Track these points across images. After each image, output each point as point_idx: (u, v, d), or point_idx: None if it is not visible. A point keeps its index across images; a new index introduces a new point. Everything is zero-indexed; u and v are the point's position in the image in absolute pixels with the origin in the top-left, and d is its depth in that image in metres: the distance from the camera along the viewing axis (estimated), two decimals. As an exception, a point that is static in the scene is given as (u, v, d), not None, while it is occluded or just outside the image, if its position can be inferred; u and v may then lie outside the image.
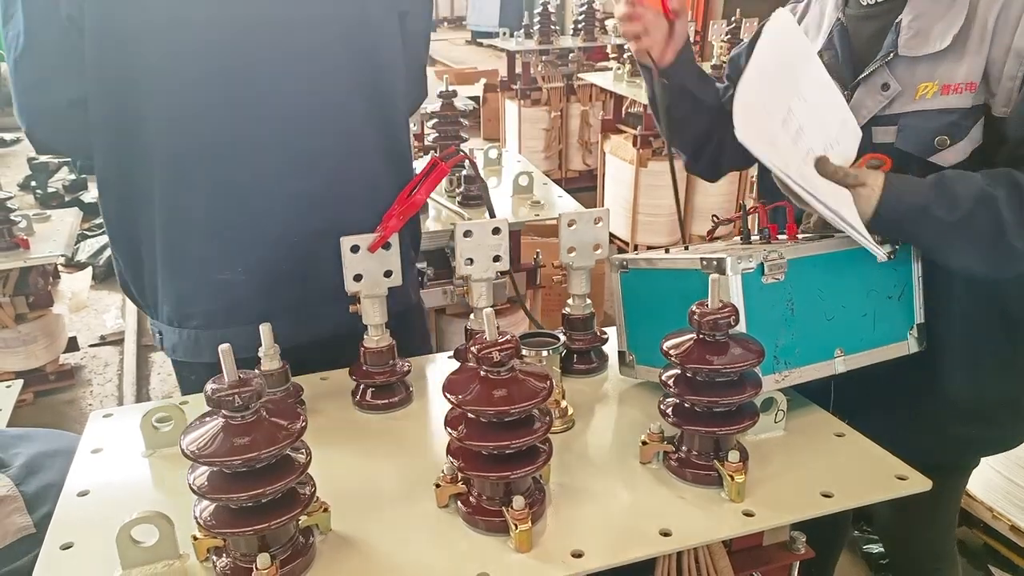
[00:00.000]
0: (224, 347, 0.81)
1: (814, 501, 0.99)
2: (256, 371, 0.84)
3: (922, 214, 1.11)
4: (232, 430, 0.81)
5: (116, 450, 1.15)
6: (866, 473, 1.04)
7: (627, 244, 4.42)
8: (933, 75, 1.18)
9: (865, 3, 1.27)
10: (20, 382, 1.91)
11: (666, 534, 0.93)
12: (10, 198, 2.78)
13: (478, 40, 10.42)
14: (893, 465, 1.05)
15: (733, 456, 0.98)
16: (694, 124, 1.45)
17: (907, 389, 1.31)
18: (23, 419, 3.00)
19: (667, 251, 1.25)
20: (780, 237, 1.22)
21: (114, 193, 1.29)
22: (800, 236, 1.21)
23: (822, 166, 1.12)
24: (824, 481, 1.02)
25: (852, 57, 1.28)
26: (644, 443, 1.06)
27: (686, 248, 1.27)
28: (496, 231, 1.22)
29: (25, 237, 2.82)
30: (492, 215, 1.32)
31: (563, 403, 1.17)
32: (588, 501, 1.00)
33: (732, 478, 0.97)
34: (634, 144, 4.18)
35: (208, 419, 0.83)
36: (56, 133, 1.27)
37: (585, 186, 5.40)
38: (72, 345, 3.36)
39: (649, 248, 4.22)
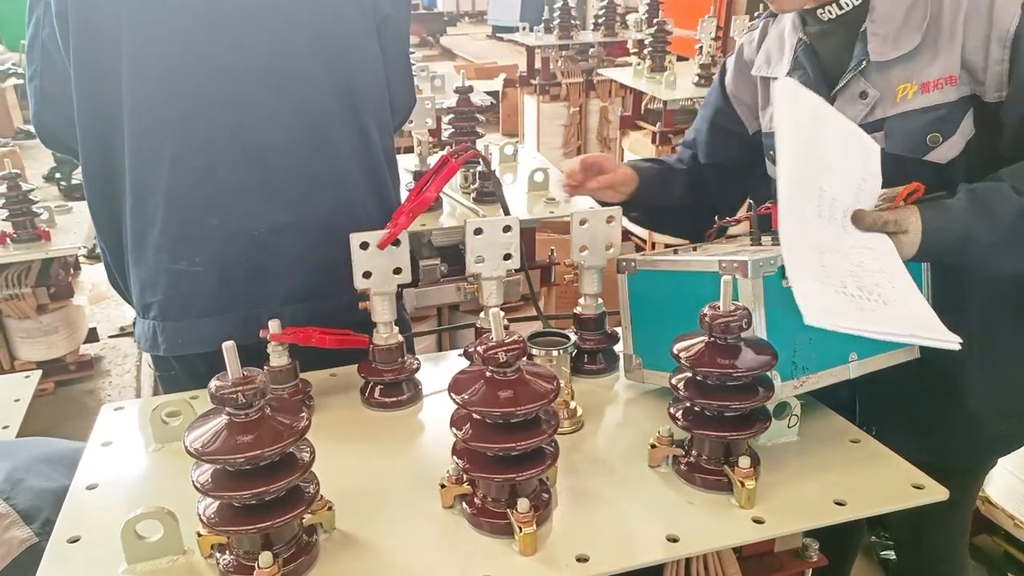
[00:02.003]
0: (228, 344, 0.80)
1: (827, 509, 0.97)
2: (260, 368, 0.83)
3: (965, 242, 1.09)
4: (235, 428, 0.81)
5: (126, 444, 1.16)
6: (881, 481, 1.01)
7: (644, 242, 4.39)
8: (910, 76, 1.17)
9: (825, 19, 1.24)
10: (39, 373, 1.92)
11: (673, 540, 0.91)
12: (32, 190, 2.81)
13: (498, 35, 10.40)
14: (909, 473, 1.02)
15: (744, 462, 0.96)
16: (679, 222, 1.58)
17: (933, 394, 1.29)
18: (44, 409, 3.05)
19: (675, 252, 1.23)
20: None
21: (96, 180, 1.30)
22: None
23: (860, 221, 1.10)
24: (837, 488, 1.00)
25: (822, 73, 1.27)
26: (653, 446, 1.04)
27: (694, 249, 1.25)
28: (507, 229, 1.21)
29: (47, 229, 2.85)
30: (506, 212, 1.30)
31: (572, 404, 1.16)
32: (595, 504, 0.99)
33: (742, 484, 0.96)
34: (653, 141, 4.14)
35: (212, 416, 0.82)
36: (55, 118, 1.29)
37: (604, 183, 5.36)
38: (92, 336, 3.40)
39: (667, 247, 4.17)
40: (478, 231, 1.20)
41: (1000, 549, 2.19)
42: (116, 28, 1.19)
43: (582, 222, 1.25)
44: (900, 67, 1.18)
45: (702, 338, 0.97)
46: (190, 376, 1.35)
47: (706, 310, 0.95)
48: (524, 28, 5.66)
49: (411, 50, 3.79)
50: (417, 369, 1.26)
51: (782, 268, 1.02)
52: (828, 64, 1.26)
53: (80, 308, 3.28)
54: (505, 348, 0.88)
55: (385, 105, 1.38)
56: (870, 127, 1.21)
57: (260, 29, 1.24)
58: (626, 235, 4.65)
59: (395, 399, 1.23)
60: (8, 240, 2.78)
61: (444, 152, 1.74)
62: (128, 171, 1.25)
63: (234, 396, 0.79)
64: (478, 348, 0.89)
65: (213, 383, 0.81)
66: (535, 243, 2.32)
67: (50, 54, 1.26)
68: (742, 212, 1.23)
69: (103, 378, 3.31)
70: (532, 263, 2.29)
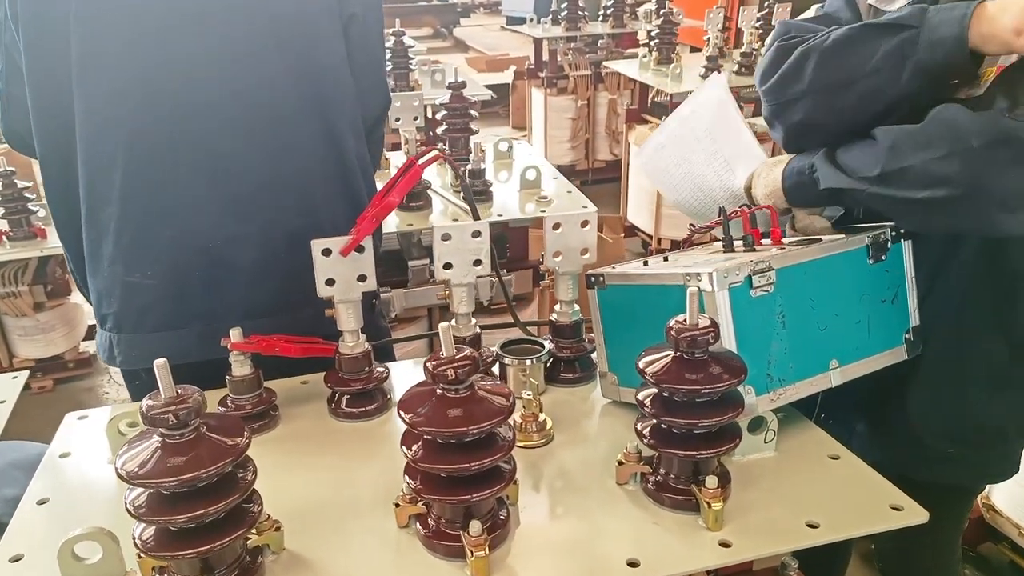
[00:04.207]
0: (159, 362, 0.77)
1: (798, 532, 0.92)
2: (195, 387, 0.80)
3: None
4: (169, 449, 0.77)
5: (84, 455, 1.13)
6: (858, 501, 0.97)
7: (651, 237, 4.33)
8: (995, 59, 1.07)
9: None
10: (26, 374, 1.90)
11: (634, 564, 0.87)
12: (28, 187, 2.80)
13: (510, 26, 10.32)
14: (888, 493, 0.97)
15: (711, 482, 0.92)
16: None
17: (894, 395, 1.25)
18: (42, 406, 3.05)
19: (646, 263, 1.18)
20: (764, 242, 1.15)
21: (56, 184, 1.27)
22: (786, 241, 1.14)
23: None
24: (812, 509, 0.95)
25: None
26: (620, 463, 1.00)
27: (665, 259, 1.20)
28: (476, 234, 1.17)
29: (43, 227, 2.84)
30: (475, 217, 1.26)
31: (541, 416, 1.12)
32: (558, 524, 0.95)
33: (709, 505, 0.91)
34: (659, 135, 4.08)
35: (146, 436, 0.79)
36: (22, 123, 1.26)
37: (612, 177, 5.30)
38: (91, 333, 3.40)
39: (673, 242, 4.12)
40: (446, 236, 1.16)
41: (1005, 558, 2.13)
42: (65, 30, 1.16)
43: (555, 227, 1.21)
44: None
45: (668, 352, 0.92)
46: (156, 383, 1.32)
47: (672, 323, 0.91)
48: (532, 20, 5.59)
49: (412, 43, 3.71)
50: (385, 378, 1.23)
51: (749, 278, 0.98)
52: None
53: (78, 306, 3.27)
54: (455, 364, 0.84)
55: (356, 108, 1.33)
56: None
57: (217, 34, 1.19)
58: (631, 231, 4.58)
59: (362, 409, 1.20)
60: (4, 238, 2.77)
61: (437, 150, 1.69)
62: (81, 178, 1.22)
63: (165, 416, 0.76)
64: (427, 364, 0.85)
65: (144, 402, 0.77)
66: (527, 242, 2.28)
67: (13, 58, 1.23)
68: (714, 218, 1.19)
69: (102, 375, 3.31)
70: (524, 263, 2.25)
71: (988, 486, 2.08)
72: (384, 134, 1.58)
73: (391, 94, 1.49)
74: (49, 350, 3.10)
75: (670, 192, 1.41)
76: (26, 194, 2.78)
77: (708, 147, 1.25)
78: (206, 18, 1.18)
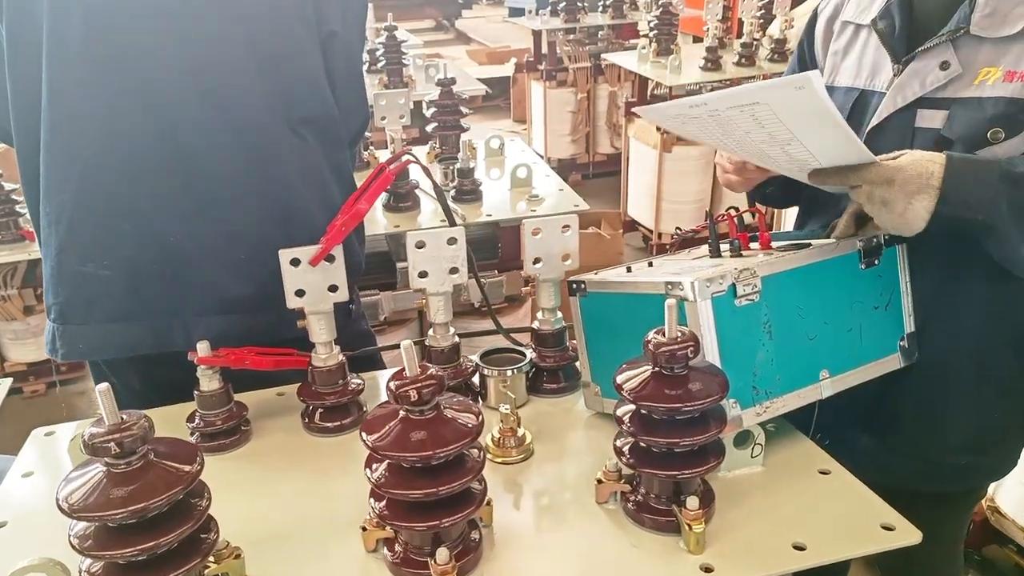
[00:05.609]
0: (102, 387, 0.73)
1: (784, 555, 0.88)
2: (142, 412, 0.76)
3: (995, 195, 0.97)
4: (114, 479, 0.73)
5: (48, 475, 1.10)
6: (848, 520, 0.92)
7: (651, 232, 4.28)
8: (997, 60, 1.05)
9: None
10: (8, 381, 1.89)
11: (610, 592, 0.83)
12: (15, 189, 2.76)
13: (511, 18, 10.24)
14: (879, 511, 0.93)
15: (692, 502, 0.87)
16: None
17: (900, 411, 1.20)
18: (35, 411, 3.03)
19: (629, 269, 1.13)
20: (752, 246, 1.10)
21: (29, 174, 1.22)
22: (775, 246, 1.09)
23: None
24: (799, 529, 0.91)
25: (909, 29, 1.14)
26: (600, 481, 0.96)
27: (650, 265, 1.16)
28: (452, 241, 1.13)
29: (31, 230, 2.81)
30: (451, 223, 1.22)
31: (520, 431, 1.07)
32: (532, 547, 0.91)
33: (690, 527, 0.87)
34: (658, 129, 4.01)
35: (90, 465, 0.75)
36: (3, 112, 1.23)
37: (613, 170, 5.24)
38: (86, 335, 3.38)
39: (672, 237, 4.05)
40: (420, 244, 1.11)
41: (1011, 561, 2.08)
42: (40, 20, 1.13)
43: (534, 232, 1.16)
44: (992, 48, 1.06)
45: (647, 367, 0.88)
46: (126, 390, 1.29)
47: (650, 336, 0.86)
48: (531, 11, 5.52)
49: (405, 39, 3.65)
50: (361, 390, 1.19)
51: (733, 286, 0.93)
52: (920, 21, 1.14)
53: (72, 308, 3.24)
54: (418, 385, 0.80)
55: (330, 118, 1.29)
56: (933, 103, 1.10)
57: (188, 35, 1.16)
58: (632, 226, 4.53)
59: (337, 423, 1.16)
60: (-8, 241, 2.74)
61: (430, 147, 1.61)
62: (41, 162, 1.18)
63: (108, 445, 0.72)
64: (390, 384, 0.81)
65: (87, 430, 0.73)
66: (520, 242, 2.23)
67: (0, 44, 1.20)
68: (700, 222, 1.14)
69: (96, 378, 3.28)
70: (516, 263, 2.20)
71: (993, 490, 2.04)
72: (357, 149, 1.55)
73: (383, 91, 1.45)
74: (40, 354, 3.05)
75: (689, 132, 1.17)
76: (13, 196, 2.75)
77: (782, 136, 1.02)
78: (175, 17, 1.15)
